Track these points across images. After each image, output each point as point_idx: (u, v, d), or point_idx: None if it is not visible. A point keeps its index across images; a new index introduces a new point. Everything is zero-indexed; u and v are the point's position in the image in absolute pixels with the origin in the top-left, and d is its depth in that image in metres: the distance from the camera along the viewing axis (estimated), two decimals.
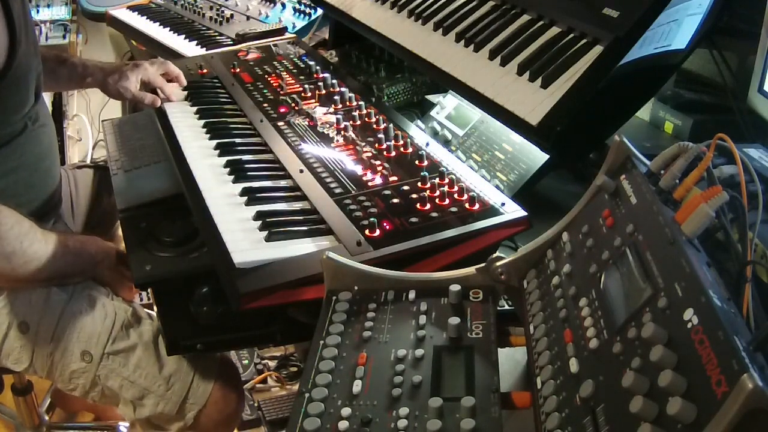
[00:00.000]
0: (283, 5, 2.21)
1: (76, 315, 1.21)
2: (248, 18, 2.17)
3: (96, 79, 1.53)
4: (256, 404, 2.04)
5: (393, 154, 1.24)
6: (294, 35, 1.95)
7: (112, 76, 1.51)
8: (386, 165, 1.20)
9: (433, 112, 1.46)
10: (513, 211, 1.05)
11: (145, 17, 2.33)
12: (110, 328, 1.21)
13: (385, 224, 1.02)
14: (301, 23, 2.12)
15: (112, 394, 1.23)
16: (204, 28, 2.17)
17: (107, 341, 1.21)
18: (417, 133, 1.31)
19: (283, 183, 1.21)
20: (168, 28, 2.20)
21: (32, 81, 1.26)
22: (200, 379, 1.21)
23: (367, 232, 1.01)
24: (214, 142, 1.34)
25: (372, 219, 1.01)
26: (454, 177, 1.12)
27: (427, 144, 1.25)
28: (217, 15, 2.21)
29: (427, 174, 1.12)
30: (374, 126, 1.34)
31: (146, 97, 1.52)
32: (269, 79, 1.61)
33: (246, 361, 2.22)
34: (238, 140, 1.35)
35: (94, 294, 1.25)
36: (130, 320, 1.24)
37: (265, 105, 1.47)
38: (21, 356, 1.21)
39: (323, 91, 1.51)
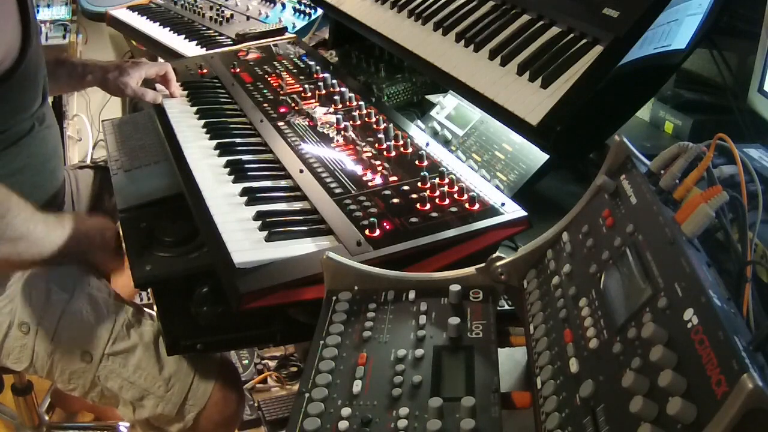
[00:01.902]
0: (283, 5, 2.21)
1: (76, 315, 1.21)
2: (248, 18, 2.17)
3: (96, 77, 1.51)
4: (256, 404, 2.04)
5: (393, 154, 1.24)
6: (294, 35, 1.95)
7: (112, 72, 1.50)
8: (386, 165, 1.20)
9: (433, 112, 1.46)
10: (513, 211, 1.05)
11: (145, 17, 2.33)
12: (111, 329, 1.21)
13: (385, 224, 1.02)
14: (301, 23, 2.12)
15: (112, 394, 1.23)
16: (204, 28, 2.17)
17: (107, 342, 1.20)
18: (417, 133, 1.31)
19: (283, 183, 1.21)
20: (168, 28, 2.20)
21: (41, 79, 1.26)
22: (200, 380, 1.21)
23: (367, 232, 1.01)
24: (214, 142, 1.34)
25: (372, 219, 1.01)
26: (454, 177, 1.12)
27: (427, 144, 1.25)
28: (217, 15, 2.21)
29: (427, 174, 1.12)
30: (374, 126, 1.34)
31: (147, 94, 1.50)
32: (269, 79, 1.61)
33: (246, 361, 2.22)
34: (238, 140, 1.35)
35: (95, 294, 1.25)
36: (131, 321, 1.24)
37: (265, 105, 1.47)
38: (21, 356, 1.21)
39: (323, 91, 1.51)
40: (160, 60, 1.62)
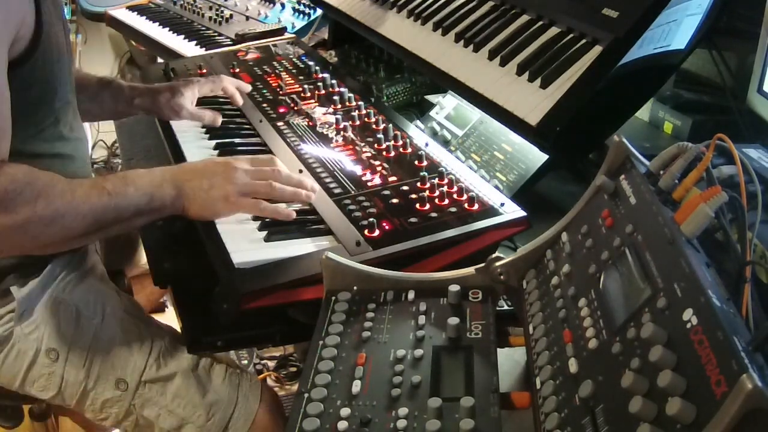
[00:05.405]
0: (283, 5, 2.21)
1: (109, 341, 1.15)
2: (248, 18, 2.17)
3: (145, 100, 1.39)
4: None
5: (392, 154, 1.24)
6: (293, 35, 1.95)
7: (164, 94, 1.38)
8: (385, 165, 1.20)
9: (432, 113, 1.46)
10: (512, 211, 1.05)
11: (145, 17, 2.33)
12: (147, 355, 1.15)
13: (384, 224, 1.02)
14: (300, 23, 2.12)
15: (147, 423, 1.17)
16: (203, 28, 2.17)
17: (144, 368, 1.14)
18: (416, 133, 1.31)
19: None
20: (167, 28, 2.20)
21: (66, 72, 1.12)
22: (242, 409, 1.15)
23: (366, 232, 1.00)
24: (214, 142, 1.34)
25: (371, 219, 1.01)
26: (453, 177, 1.12)
27: (427, 144, 1.25)
28: (217, 15, 2.20)
29: (426, 174, 1.12)
30: (373, 126, 1.34)
31: (205, 116, 1.39)
32: (268, 79, 1.61)
33: (245, 362, 2.22)
34: (237, 140, 1.35)
35: (128, 317, 1.19)
36: (168, 347, 1.17)
37: (265, 105, 1.47)
38: (48, 384, 1.15)
39: (322, 92, 1.51)
40: (215, 76, 1.51)
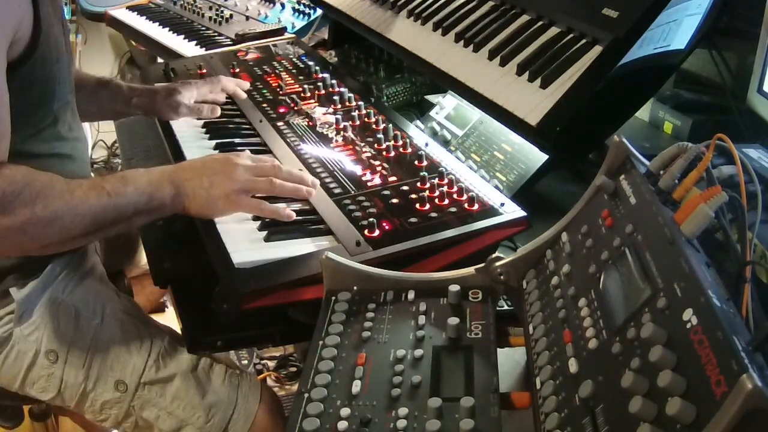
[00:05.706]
0: (283, 5, 2.21)
1: (108, 342, 1.14)
2: (247, 18, 2.17)
3: (143, 100, 1.40)
4: None
5: (392, 154, 1.24)
6: (293, 35, 1.95)
7: (161, 94, 1.40)
8: (385, 165, 1.20)
9: (432, 113, 1.46)
10: (512, 211, 1.05)
11: (145, 17, 2.33)
12: (146, 356, 1.15)
13: (384, 224, 1.02)
14: (300, 23, 2.12)
15: (147, 425, 1.16)
16: (203, 28, 2.17)
17: (143, 370, 1.14)
18: (416, 133, 1.31)
19: None
20: (167, 29, 2.20)
21: (65, 72, 1.12)
22: (242, 410, 1.15)
23: (366, 232, 1.00)
24: (214, 142, 1.34)
25: (371, 219, 1.01)
26: (453, 177, 1.12)
27: (427, 144, 1.25)
28: (217, 15, 2.21)
29: (426, 174, 1.12)
30: (373, 126, 1.34)
31: (203, 110, 1.40)
32: (268, 79, 1.61)
33: (245, 362, 2.22)
34: (237, 140, 1.35)
35: (127, 318, 1.19)
36: (167, 348, 1.17)
37: (265, 105, 1.47)
38: (47, 385, 1.15)
39: (322, 92, 1.51)
40: (214, 77, 1.52)
